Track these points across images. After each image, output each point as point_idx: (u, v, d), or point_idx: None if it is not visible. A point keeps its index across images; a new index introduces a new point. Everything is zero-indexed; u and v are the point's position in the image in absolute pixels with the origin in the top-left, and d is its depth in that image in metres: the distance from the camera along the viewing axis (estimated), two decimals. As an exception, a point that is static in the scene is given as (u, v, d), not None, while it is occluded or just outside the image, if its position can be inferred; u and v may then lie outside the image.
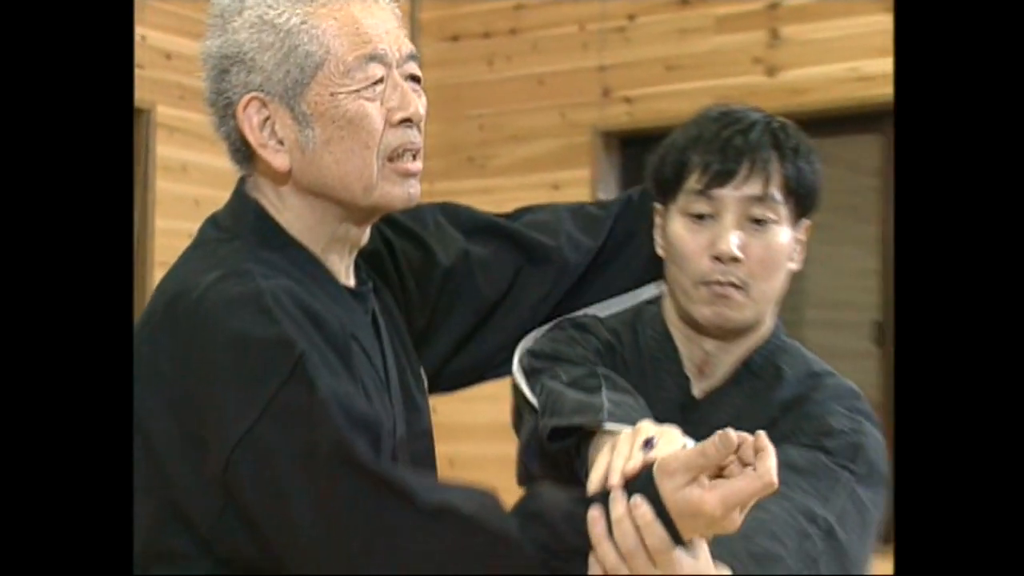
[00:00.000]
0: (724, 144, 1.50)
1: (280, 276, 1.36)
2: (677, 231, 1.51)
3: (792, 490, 1.37)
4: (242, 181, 1.48)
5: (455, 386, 1.69)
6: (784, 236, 1.52)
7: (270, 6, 1.41)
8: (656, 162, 1.57)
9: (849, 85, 4.49)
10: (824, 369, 1.56)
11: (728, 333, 1.50)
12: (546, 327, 1.63)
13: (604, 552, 1.21)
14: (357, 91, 1.41)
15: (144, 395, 1.33)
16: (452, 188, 5.13)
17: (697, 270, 1.50)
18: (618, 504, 1.22)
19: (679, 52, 4.80)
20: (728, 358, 1.51)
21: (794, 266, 1.54)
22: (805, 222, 1.55)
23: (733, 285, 1.49)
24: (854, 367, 4.30)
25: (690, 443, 1.28)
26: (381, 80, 1.41)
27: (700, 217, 1.50)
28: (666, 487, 1.22)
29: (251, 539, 1.31)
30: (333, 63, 1.40)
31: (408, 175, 1.43)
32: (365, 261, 1.54)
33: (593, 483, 1.28)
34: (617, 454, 1.27)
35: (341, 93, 1.40)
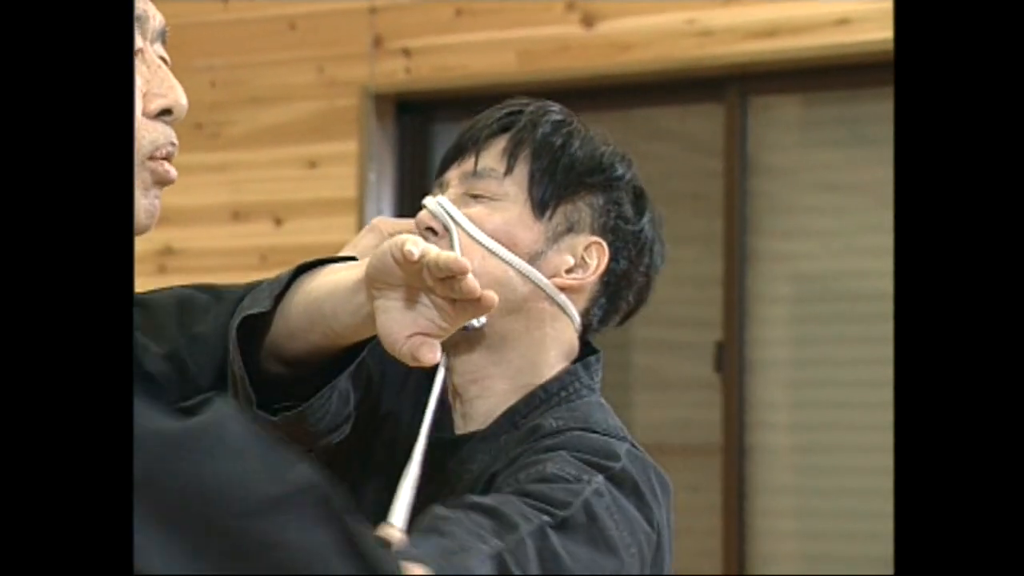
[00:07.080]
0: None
1: None
2: None
3: (461, 524, 1.41)
4: None
5: None
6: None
7: None
8: None
9: (686, 41, 4.31)
10: (593, 426, 1.59)
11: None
12: None
13: None
14: None
15: None
16: (175, 162, 4.76)
17: None
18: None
19: (473, -7, 4.57)
20: (484, 398, 1.58)
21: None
22: (589, 239, 1.67)
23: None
24: (691, 399, 4.43)
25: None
26: (138, 52, 1.33)
27: None
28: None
29: None
30: None
31: (166, 183, 1.38)
32: None
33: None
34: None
35: None
